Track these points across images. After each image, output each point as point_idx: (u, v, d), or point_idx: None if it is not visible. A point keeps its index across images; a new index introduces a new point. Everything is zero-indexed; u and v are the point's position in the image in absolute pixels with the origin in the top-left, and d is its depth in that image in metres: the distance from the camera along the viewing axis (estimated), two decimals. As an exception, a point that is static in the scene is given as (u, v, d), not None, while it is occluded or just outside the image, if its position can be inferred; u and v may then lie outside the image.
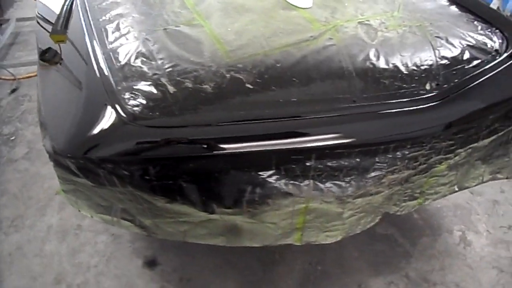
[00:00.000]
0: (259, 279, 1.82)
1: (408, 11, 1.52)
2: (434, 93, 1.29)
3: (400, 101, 1.26)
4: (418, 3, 1.60)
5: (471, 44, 1.44)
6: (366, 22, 1.41)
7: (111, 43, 1.33)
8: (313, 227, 1.37)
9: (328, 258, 1.90)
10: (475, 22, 1.54)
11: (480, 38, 1.47)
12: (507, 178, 1.67)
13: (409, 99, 1.26)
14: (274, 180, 1.20)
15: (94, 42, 1.33)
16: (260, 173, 1.18)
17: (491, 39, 1.48)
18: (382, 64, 1.29)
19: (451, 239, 2.01)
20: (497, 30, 1.51)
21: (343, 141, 1.19)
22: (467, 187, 1.64)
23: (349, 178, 1.27)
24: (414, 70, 1.31)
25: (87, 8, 1.52)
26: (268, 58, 1.23)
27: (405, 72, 1.30)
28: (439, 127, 1.28)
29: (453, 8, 1.62)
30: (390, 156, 1.29)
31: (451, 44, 1.41)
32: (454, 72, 1.35)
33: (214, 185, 1.17)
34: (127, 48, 1.28)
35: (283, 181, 1.21)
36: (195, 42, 1.28)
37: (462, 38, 1.45)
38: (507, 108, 1.43)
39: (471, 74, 1.35)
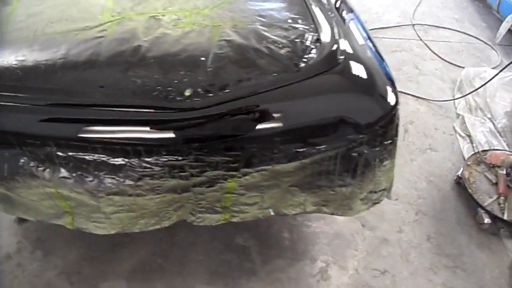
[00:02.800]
0: (99, 256, 1.87)
1: (225, 9, 1.38)
2: (190, 101, 1.18)
3: (151, 104, 1.18)
4: (253, 2, 1.43)
5: (265, 52, 1.26)
6: (160, 17, 1.33)
7: None
8: (81, 215, 1.39)
9: (173, 254, 1.88)
10: (301, 27, 1.33)
11: (286, 46, 1.27)
12: (332, 214, 1.46)
13: (160, 103, 1.18)
14: (21, 160, 1.25)
15: None
16: (5, 150, 1.24)
17: (302, 48, 1.27)
18: (140, 62, 1.22)
19: (309, 268, 1.82)
20: (317, 38, 1.29)
21: (71, 135, 1.18)
22: (286, 214, 1.49)
23: (97, 172, 1.26)
24: (175, 73, 1.21)
25: None
26: (34, 43, 1.25)
27: (163, 75, 1.20)
28: (189, 138, 1.19)
29: (292, 9, 1.41)
30: (144, 159, 1.24)
31: (238, 50, 1.26)
32: (226, 81, 1.20)
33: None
34: None
35: (29, 162, 1.25)
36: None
37: (260, 44, 1.27)
38: (302, 133, 1.25)
39: (246, 86, 1.20)
